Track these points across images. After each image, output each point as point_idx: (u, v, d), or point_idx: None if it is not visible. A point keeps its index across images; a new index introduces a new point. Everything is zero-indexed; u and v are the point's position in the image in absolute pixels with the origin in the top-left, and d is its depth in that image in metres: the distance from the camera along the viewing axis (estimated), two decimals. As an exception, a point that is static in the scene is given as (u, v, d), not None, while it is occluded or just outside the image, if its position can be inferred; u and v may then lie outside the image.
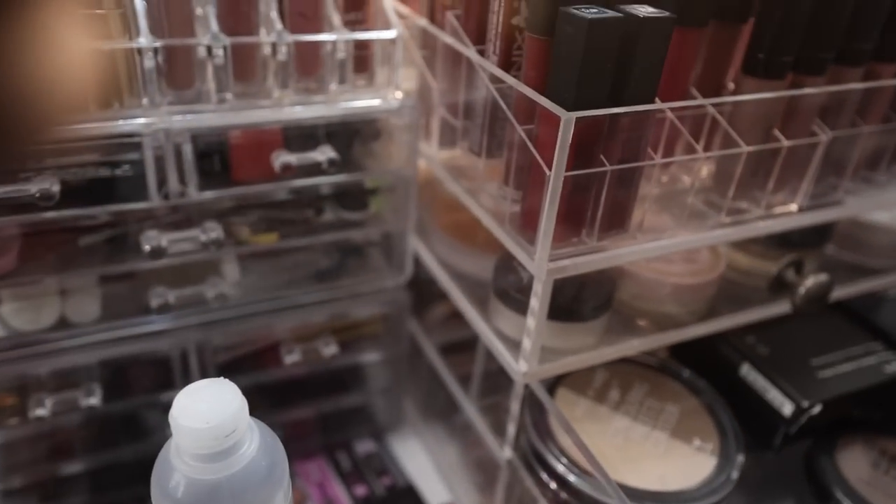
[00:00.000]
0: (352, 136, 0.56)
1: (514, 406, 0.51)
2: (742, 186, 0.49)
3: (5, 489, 0.56)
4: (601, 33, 0.38)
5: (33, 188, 0.44)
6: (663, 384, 0.57)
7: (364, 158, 0.58)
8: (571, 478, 0.48)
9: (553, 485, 0.50)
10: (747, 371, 0.56)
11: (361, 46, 0.53)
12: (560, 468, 0.49)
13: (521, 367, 0.48)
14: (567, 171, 0.41)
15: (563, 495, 0.49)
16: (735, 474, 0.50)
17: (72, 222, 0.49)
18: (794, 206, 0.53)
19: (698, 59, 0.49)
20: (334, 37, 0.50)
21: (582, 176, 0.42)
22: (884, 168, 0.56)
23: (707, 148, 0.49)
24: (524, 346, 0.47)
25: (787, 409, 0.53)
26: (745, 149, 0.47)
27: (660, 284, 0.53)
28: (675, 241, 0.48)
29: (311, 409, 0.66)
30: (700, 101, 0.45)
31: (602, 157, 0.43)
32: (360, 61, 0.53)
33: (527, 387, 0.50)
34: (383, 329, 0.65)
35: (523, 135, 0.43)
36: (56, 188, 0.45)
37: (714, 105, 0.46)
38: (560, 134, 0.39)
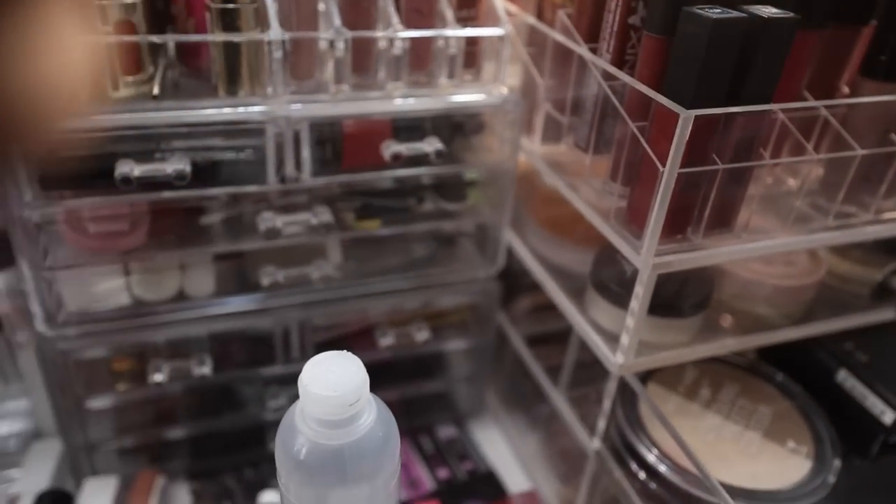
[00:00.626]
0: (455, 128, 0.57)
1: (608, 397, 0.52)
2: (852, 190, 0.49)
3: (119, 448, 0.60)
4: (724, 33, 0.39)
5: (169, 168, 0.47)
6: (754, 385, 0.57)
7: (464, 151, 0.60)
8: (662, 468, 0.49)
9: (642, 475, 0.51)
10: (844, 377, 0.55)
11: (471, 42, 0.54)
12: (651, 458, 0.50)
13: (617, 359, 0.49)
14: (680, 168, 0.42)
15: (653, 486, 0.50)
16: (832, 479, 0.49)
17: (196, 202, 0.53)
18: (901, 213, 0.52)
19: (813, 61, 0.49)
20: (447, 33, 0.52)
21: (693, 173, 0.43)
22: None
23: (816, 151, 0.48)
24: (622, 338, 0.48)
25: (888, 417, 0.52)
26: (860, 152, 0.46)
27: (759, 285, 0.53)
28: (778, 243, 0.48)
29: (397, 392, 0.69)
30: (818, 102, 0.45)
31: (714, 155, 0.43)
32: (468, 57, 0.55)
33: (621, 379, 0.51)
34: (471, 318, 0.67)
35: (636, 131, 0.44)
36: (189, 169, 0.48)
37: (828, 107, 0.46)
38: (678, 131, 0.40)
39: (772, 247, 0.48)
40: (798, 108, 0.44)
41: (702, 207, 0.45)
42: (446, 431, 0.72)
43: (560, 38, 0.52)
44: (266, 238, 0.53)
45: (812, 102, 0.45)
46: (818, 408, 0.55)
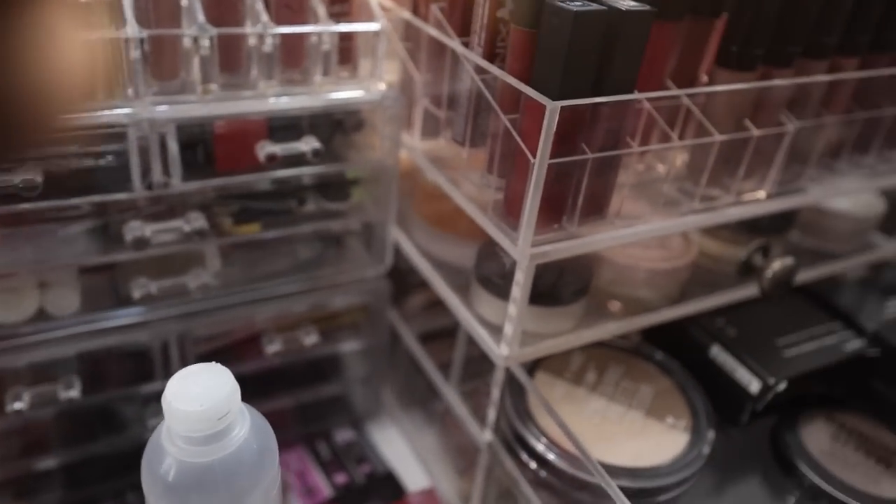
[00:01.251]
0: (334, 126, 0.56)
1: (496, 390, 0.52)
2: (714, 174, 0.51)
3: (-19, 485, 0.55)
4: (586, 25, 0.40)
5: (16, 178, 0.44)
6: (637, 366, 0.59)
7: (346, 149, 0.59)
8: (551, 456, 0.50)
9: (533, 464, 0.51)
10: (717, 352, 0.58)
11: (345, 38, 0.53)
12: (540, 447, 0.50)
13: (502, 351, 0.50)
14: (550, 158, 0.42)
15: (543, 474, 0.51)
16: (706, 449, 0.52)
17: (54, 213, 0.49)
18: (762, 194, 0.55)
19: (674, 52, 0.51)
20: (319, 28, 0.51)
21: (564, 164, 0.44)
22: (844, 157, 0.59)
23: (681, 138, 0.51)
24: (506, 330, 0.49)
25: (754, 386, 0.55)
26: (718, 137, 0.49)
27: (635, 270, 0.55)
28: (649, 228, 0.50)
29: (290, 398, 0.67)
30: (676, 91, 0.47)
31: (583, 145, 0.44)
32: (343, 53, 0.54)
33: (507, 370, 0.51)
34: (363, 318, 0.66)
35: (508, 124, 0.44)
36: (40, 179, 0.45)
37: (688, 96, 0.48)
38: (545, 122, 0.40)
39: (643, 232, 0.49)
40: (659, 98, 0.46)
41: (575, 197, 0.46)
42: (344, 435, 0.70)
43: (434, 32, 0.51)
44: (134, 248, 0.50)
45: (671, 92, 0.47)
46: (695, 383, 0.57)
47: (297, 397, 0.67)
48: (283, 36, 0.50)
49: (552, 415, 0.48)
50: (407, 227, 0.62)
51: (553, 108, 0.40)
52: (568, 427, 0.47)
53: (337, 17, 0.53)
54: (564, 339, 0.52)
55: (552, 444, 0.50)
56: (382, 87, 0.54)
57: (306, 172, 0.55)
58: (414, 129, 0.56)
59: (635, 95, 0.44)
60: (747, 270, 0.58)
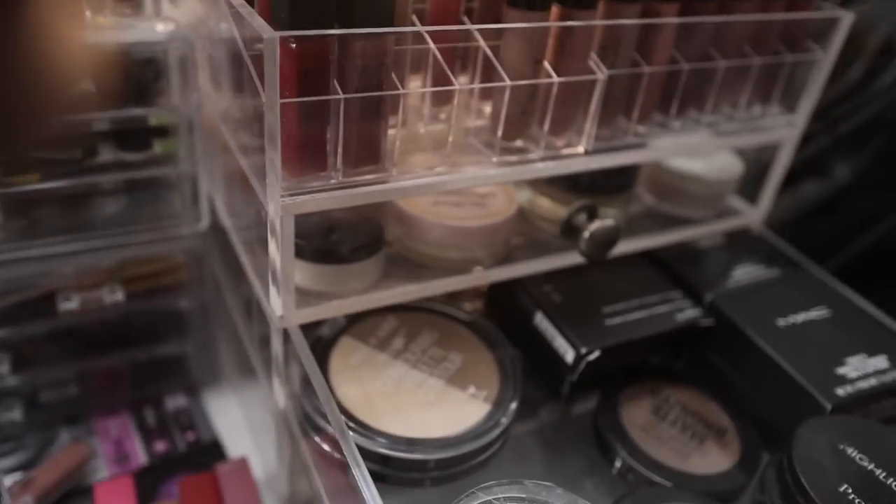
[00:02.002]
0: (124, 69, 0.52)
1: (276, 349, 0.49)
2: (514, 125, 0.48)
3: None
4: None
5: None
6: (455, 333, 0.55)
7: (153, 97, 0.55)
8: (322, 423, 0.46)
9: (315, 436, 0.48)
10: (540, 320, 0.55)
11: (121, -30, 0.49)
12: (314, 415, 0.47)
13: (275, 311, 0.46)
14: (288, 98, 0.38)
15: (324, 446, 0.47)
16: (505, 420, 0.49)
17: None
18: (580, 149, 0.51)
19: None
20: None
21: (312, 104, 0.40)
22: (681, 114, 0.55)
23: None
24: (271, 287, 0.45)
25: (569, 356, 0.52)
26: (509, 83, 0.45)
27: (438, 227, 0.51)
28: (435, 180, 0.46)
29: (113, 361, 0.63)
30: (422, 28, 0.43)
31: (337, 85, 0.40)
32: (121, -13, 0.49)
33: (285, 332, 0.48)
34: (187, 277, 0.62)
35: (248, 61, 0.40)
36: None
37: (466, 38, 0.44)
38: (266, 55, 0.36)
39: (426, 185, 0.46)
40: (404, 32, 0.42)
41: (336, 143, 0.42)
42: (176, 402, 0.67)
43: (206, -36, 0.47)
44: None
45: (417, 28, 0.43)
46: (514, 352, 0.54)
47: (126, 359, 0.64)
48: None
49: (315, 378, 0.45)
50: (217, 185, 0.59)
51: (271, 39, 0.36)
52: (325, 390, 0.44)
53: (108, -54, 0.49)
54: (352, 301, 0.49)
55: (320, 412, 0.47)
56: (165, 27, 0.50)
57: (83, 118, 0.51)
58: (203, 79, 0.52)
59: (379, 30, 0.39)
60: (569, 232, 0.54)
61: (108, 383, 0.65)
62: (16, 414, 0.59)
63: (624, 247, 0.58)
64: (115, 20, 0.50)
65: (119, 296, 0.57)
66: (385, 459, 0.45)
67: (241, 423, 0.66)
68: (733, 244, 0.65)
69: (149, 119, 0.55)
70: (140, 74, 0.53)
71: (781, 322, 0.55)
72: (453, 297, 0.60)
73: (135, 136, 0.55)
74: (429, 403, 0.49)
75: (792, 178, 0.78)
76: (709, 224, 0.63)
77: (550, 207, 0.57)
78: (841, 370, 0.51)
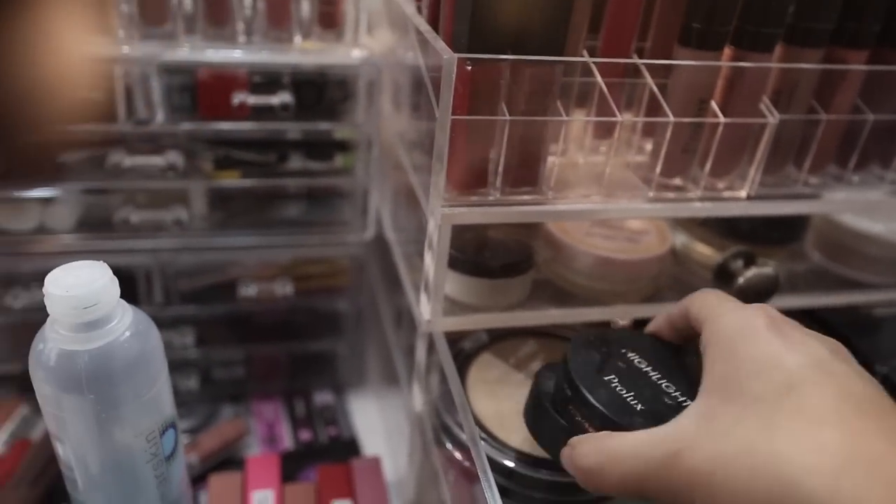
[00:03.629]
0: (320, 88, 0.59)
1: (420, 354, 0.52)
2: (673, 163, 0.48)
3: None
4: (491, -22, 0.39)
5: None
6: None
7: (343, 114, 0.61)
8: (456, 430, 0.48)
9: (448, 443, 0.50)
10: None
11: (329, 2, 0.56)
12: (451, 424, 0.49)
13: (423, 315, 0.49)
14: (460, 115, 0.42)
15: (456, 454, 0.49)
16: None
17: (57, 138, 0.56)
18: (742, 193, 0.50)
19: (652, 31, 0.49)
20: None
21: (480, 124, 0.43)
22: (860, 168, 0.52)
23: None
24: (423, 293, 0.48)
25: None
26: (672, 119, 0.46)
27: (586, 255, 0.52)
28: (588, 208, 0.47)
29: (276, 350, 0.70)
30: (585, 58, 0.45)
31: (505, 107, 0.43)
32: (327, 17, 0.56)
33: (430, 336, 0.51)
34: (348, 281, 0.68)
35: (426, 76, 0.44)
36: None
37: (634, 73, 0.45)
38: (443, 74, 0.40)
39: (581, 211, 0.47)
40: (572, 62, 0.44)
41: (499, 162, 0.45)
42: (323, 398, 0.72)
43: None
44: (113, 176, 0.55)
45: (583, 59, 0.44)
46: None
47: (284, 351, 0.70)
48: (266, -3, 0.53)
49: (453, 384, 0.47)
50: (387, 199, 0.64)
51: (450, 60, 0.40)
52: (463, 398, 0.46)
53: (320, -18, 0.56)
54: (495, 316, 0.51)
55: (455, 419, 0.49)
56: (359, 53, 0.56)
57: (277, 127, 0.58)
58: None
59: (547, 58, 0.42)
60: (724, 276, 0.53)
61: (269, 371, 0.71)
62: (192, 383, 0.66)
63: (783, 301, 0.56)
64: (319, 45, 0.56)
65: (289, 289, 0.64)
66: (510, 473, 0.46)
67: (379, 426, 0.70)
68: (912, 315, 0.59)
69: (334, 133, 0.61)
70: (333, 93, 0.59)
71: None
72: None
73: (320, 148, 0.61)
74: (559, 428, 0.50)
75: None
76: (886, 290, 0.59)
77: (705, 252, 0.56)
78: None
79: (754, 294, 0.51)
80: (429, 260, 0.47)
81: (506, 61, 0.41)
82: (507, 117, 0.43)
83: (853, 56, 0.48)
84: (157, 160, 0.56)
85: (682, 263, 0.59)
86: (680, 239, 0.59)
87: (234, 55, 0.54)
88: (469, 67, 0.41)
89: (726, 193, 0.50)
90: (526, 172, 0.46)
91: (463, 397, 0.46)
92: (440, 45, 0.42)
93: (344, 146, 0.62)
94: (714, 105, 0.47)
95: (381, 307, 0.68)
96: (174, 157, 0.56)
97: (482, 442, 0.46)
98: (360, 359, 0.72)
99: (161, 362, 0.43)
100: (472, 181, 0.46)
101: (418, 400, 0.54)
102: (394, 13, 0.54)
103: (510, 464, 0.46)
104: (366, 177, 0.62)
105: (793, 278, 0.59)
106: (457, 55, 0.40)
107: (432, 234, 0.46)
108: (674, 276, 0.57)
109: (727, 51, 0.47)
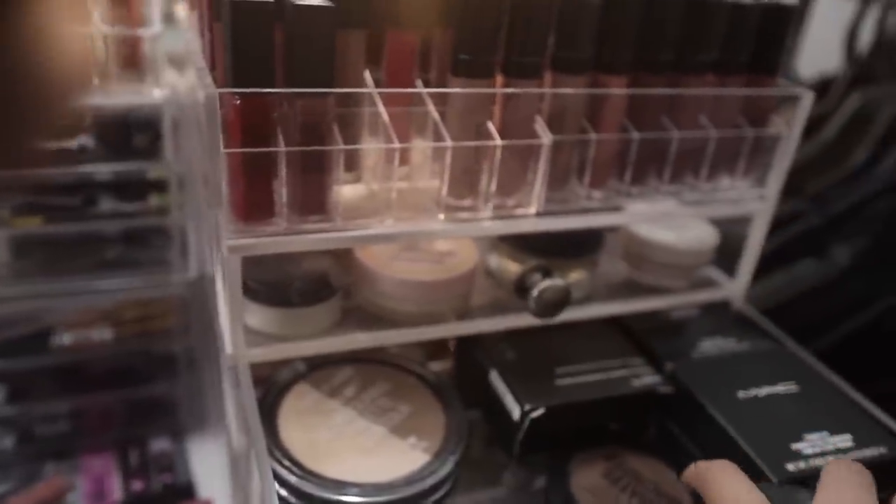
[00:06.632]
0: (125, 128, 0.59)
1: (227, 389, 0.51)
2: (458, 184, 0.50)
3: None
4: (247, 15, 0.41)
5: None
6: (410, 387, 0.57)
7: (153, 153, 0.61)
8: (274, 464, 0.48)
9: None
10: (494, 377, 0.56)
11: (128, 44, 0.56)
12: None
13: (227, 349, 0.49)
14: (232, 149, 0.43)
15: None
16: (443, 472, 0.49)
17: None
18: (532, 210, 0.53)
19: (435, 64, 0.52)
20: (93, 31, 0.54)
21: (257, 157, 0.44)
22: (628, 180, 0.57)
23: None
24: (224, 327, 0.48)
25: (515, 413, 0.52)
26: (449, 144, 0.48)
27: (391, 280, 0.53)
28: (377, 232, 0.49)
29: (108, 399, 0.67)
30: (360, 89, 0.47)
31: (282, 139, 0.45)
32: (127, 58, 0.56)
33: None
34: (175, 323, 0.67)
35: (203, 118, 0.45)
36: None
37: (434, 105, 0.48)
38: (206, 108, 0.41)
39: (371, 236, 0.48)
40: (338, 92, 0.46)
41: (282, 193, 0.46)
42: (160, 444, 0.70)
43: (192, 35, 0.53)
44: None
45: (352, 90, 0.47)
46: (462, 408, 0.55)
47: (114, 401, 0.68)
48: (55, 37, 0.53)
49: (251, 417, 0.47)
50: (205, 236, 0.63)
51: (211, 94, 0.41)
52: (258, 425, 0.46)
53: (116, 21, 0.56)
54: (301, 345, 0.51)
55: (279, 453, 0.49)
56: (160, 92, 0.57)
57: (85, 170, 0.57)
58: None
59: (312, 90, 0.43)
60: (521, 291, 0.56)
61: (101, 422, 0.69)
62: (7, 443, 0.63)
63: (588, 311, 0.59)
64: (120, 86, 0.56)
65: (107, 335, 0.62)
66: (310, 498, 0.46)
67: (220, 469, 0.68)
68: (708, 317, 0.64)
69: (147, 173, 0.60)
70: (140, 133, 0.59)
71: (741, 394, 0.54)
72: (427, 354, 0.62)
73: (131, 188, 0.60)
74: (366, 450, 0.50)
75: (787, 258, 0.77)
76: (681, 295, 0.63)
77: (513, 268, 0.59)
78: (797, 445, 0.49)
79: (548, 305, 0.53)
80: (222, 291, 0.47)
81: (271, 94, 0.43)
82: (282, 149, 0.44)
83: (614, 81, 0.52)
84: (-55, 209, 0.54)
85: (496, 281, 0.61)
86: (493, 258, 0.62)
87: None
88: (238, 102, 0.43)
89: (518, 211, 0.53)
90: (312, 201, 0.47)
91: (259, 426, 0.46)
92: (207, 80, 0.43)
93: (159, 186, 0.62)
94: (491, 128, 0.50)
95: (212, 347, 0.67)
96: (-36, 205, 0.54)
97: (284, 470, 0.47)
98: (200, 401, 0.71)
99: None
100: (257, 212, 0.46)
101: (234, 436, 0.53)
102: (189, 52, 0.55)
103: (321, 493, 0.46)
104: (181, 216, 0.61)
105: (600, 289, 0.63)
106: (220, 90, 0.41)
107: (223, 266, 0.46)
108: (487, 294, 0.59)
109: (499, 79, 0.50)
